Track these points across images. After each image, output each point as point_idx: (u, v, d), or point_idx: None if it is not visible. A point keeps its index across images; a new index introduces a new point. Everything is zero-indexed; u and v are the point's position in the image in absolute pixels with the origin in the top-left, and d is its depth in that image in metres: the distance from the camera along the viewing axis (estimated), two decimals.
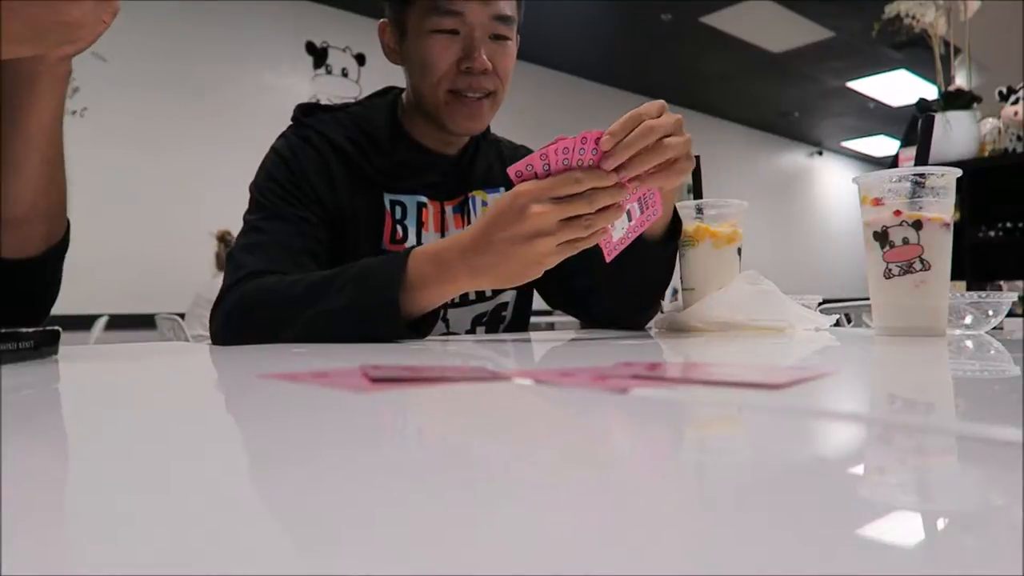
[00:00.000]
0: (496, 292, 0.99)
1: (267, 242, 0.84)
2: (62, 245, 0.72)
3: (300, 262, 0.83)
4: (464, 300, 0.97)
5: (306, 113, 0.96)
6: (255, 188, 0.90)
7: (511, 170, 0.66)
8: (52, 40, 0.53)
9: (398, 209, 0.93)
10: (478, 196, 0.99)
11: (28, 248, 0.68)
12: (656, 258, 0.89)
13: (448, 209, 0.96)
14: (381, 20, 0.96)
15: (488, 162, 1.02)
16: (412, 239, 0.92)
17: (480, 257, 0.67)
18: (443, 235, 0.95)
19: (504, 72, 0.90)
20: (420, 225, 0.93)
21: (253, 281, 0.78)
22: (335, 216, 0.90)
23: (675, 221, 0.88)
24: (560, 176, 0.65)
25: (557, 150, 0.64)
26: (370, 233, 0.91)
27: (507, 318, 1.03)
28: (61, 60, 0.61)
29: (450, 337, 0.93)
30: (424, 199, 0.94)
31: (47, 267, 0.70)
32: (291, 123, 0.96)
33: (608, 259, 0.73)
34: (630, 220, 0.73)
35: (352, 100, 1.05)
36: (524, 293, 1.04)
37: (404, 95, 0.99)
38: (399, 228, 0.92)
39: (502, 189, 1.00)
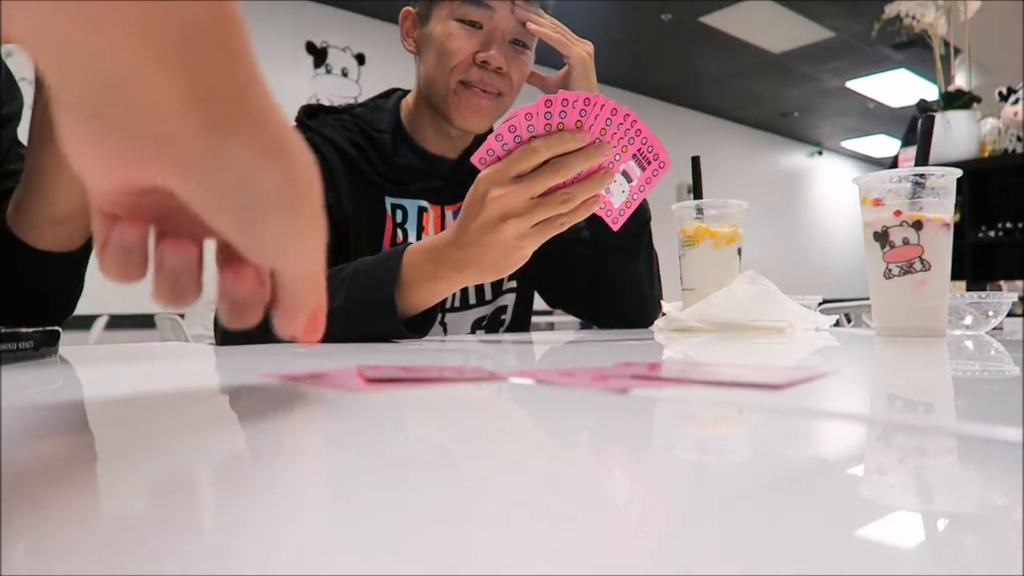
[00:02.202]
0: (496, 295, 1.00)
1: None
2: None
3: None
4: (464, 304, 0.97)
5: (310, 115, 0.96)
6: None
7: (474, 159, 0.63)
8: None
9: (399, 213, 0.93)
10: None
11: (73, 242, 0.70)
12: (621, 239, 0.89)
13: (448, 214, 0.96)
14: (405, 7, 0.95)
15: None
16: (412, 242, 0.92)
17: (461, 251, 0.66)
18: None
19: (517, 79, 0.90)
20: (420, 229, 0.94)
21: None
22: (337, 219, 0.90)
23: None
24: (515, 151, 0.60)
25: (512, 126, 0.60)
26: (371, 236, 0.91)
27: (506, 321, 1.03)
28: None
29: (449, 338, 0.93)
30: (425, 203, 0.94)
31: (84, 260, 0.73)
32: (295, 125, 0.96)
33: (615, 228, 0.70)
34: (630, 181, 0.67)
35: (353, 100, 1.05)
36: (523, 296, 1.04)
37: (409, 96, 0.99)
38: (399, 232, 0.92)
39: None
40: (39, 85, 0.63)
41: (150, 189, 0.24)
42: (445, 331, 0.96)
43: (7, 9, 0.18)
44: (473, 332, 0.99)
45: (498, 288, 0.99)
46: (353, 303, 0.69)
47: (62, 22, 0.18)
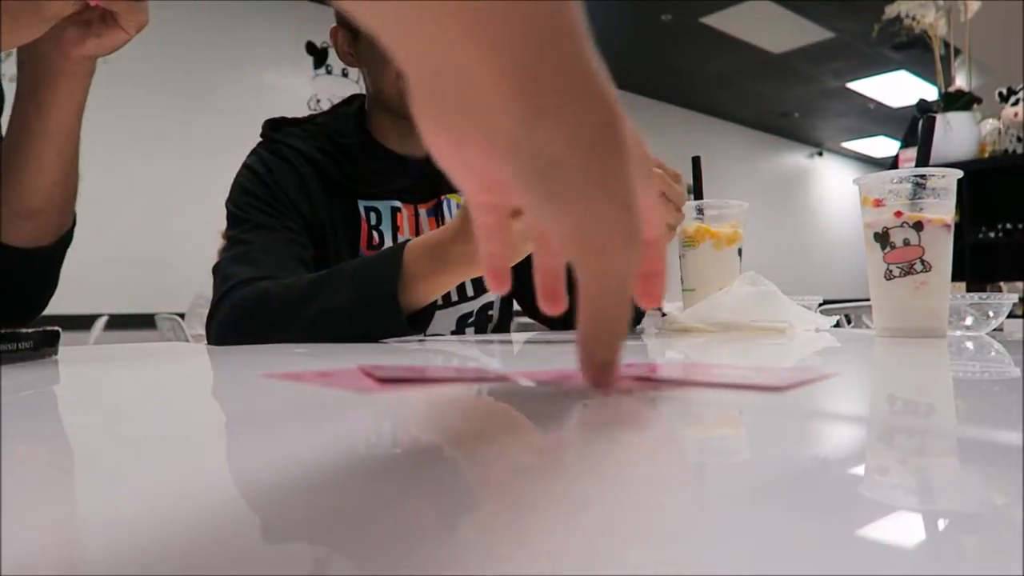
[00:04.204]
0: (478, 292, 1.00)
1: (254, 251, 0.83)
2: (69, 237, 0.74)
3: (290, 267, 0.83)
4: (446, 301, 0.97)
5: (274, 128, 0.96)
6: (232, 205, 0.90)
7: None
8: (26, 19, 0.54)
9: (372, 215, 0.93)
10: (453, 199, 0.99)
11: (43, 238, 0.71)
12: None
13: (422, 212, 0.97)
14: (332, 25, 0.97)
15: None
16: (388, 244, 0.93)
17: (467, 246, 0.67)
18: None
19: None
20: (395, 229, 0.94)
21: (247, 287, 0.78)
22: (313, 226, 0.90)
23: None
24: None
25: None
26: (348, 241, 0.92)
27: (494, 318, 1.03)
28: (84, 59, 0.63)
29: (450, 337, 0.93)
30: (398, 203, 0.95)
31: (55, 257, 0.74)
32: (260, 140, 0.96)
33: None
34: None
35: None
36: (508, 294, 1.04)
37: (367, 101, 1.00)
38: (375, 234, 0.93)
39: None
40: (19, 83, 0.64)
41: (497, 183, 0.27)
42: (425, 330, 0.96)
43: (367, 8, 0.21)
44: (460, 329, 0.99)
45: (480, 285, 1.00)
46: (356, 301, 0.69)
47: (409, 19, 0.22)
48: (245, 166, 0.93)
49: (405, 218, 0.95)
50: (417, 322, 0.72)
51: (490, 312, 1.02)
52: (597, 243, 0.25)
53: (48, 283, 0.76)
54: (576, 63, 0.23)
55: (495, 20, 0.21)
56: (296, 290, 0.73)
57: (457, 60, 0.22)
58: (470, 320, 1.00)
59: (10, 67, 0.68)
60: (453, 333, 0.98)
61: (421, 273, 0.69)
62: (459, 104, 0.23)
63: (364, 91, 1.03)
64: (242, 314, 0.76)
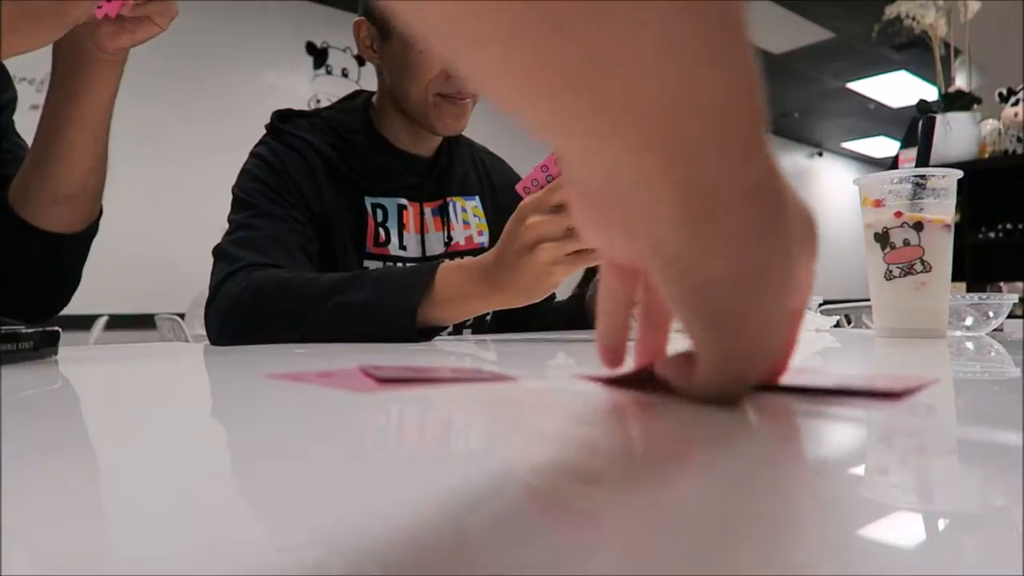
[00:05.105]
0: None
1: (259, 237, 0.83)
2: (95, 226, 0.75)
3: (294, 257, 0.83)
4: None
5: (283, 119, 0.96)
6: (239, 190, 0.89)
7: (519, 187, 0.68)
8: (48, 23, 0.54)
9: (379, 212, 0.93)
10: (458, 202, 1.00)
11: (74, 224, 0.72)
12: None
13: (427, 211, 0.97)
14: (357, 18, 0.96)
15: (464, 168, 1.04)
16: (395, 241, 0.94)
17: (498, 272, 0.68)
18: (423, 236, 0.96)
19: None
20: (401, 227, 0.94)
21: (260, 272, 0.77)
22: (320, 220, 0.90)
23: None
24: (557, 181, 0.64)
25: (556, 158, 0.64)
26: (354, 236, 0.92)
27: (489, 317, 1.04)
28: (119, 50, 0.64)
29: (448, 338, 0.93)
30: (404, 201, 0.95)
31: (83, 245, 0.75)
32: (267, 131, 0.96)
33: None
34: None
35: None
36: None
37: (376, 97, 0.99)
38: (381, 231, 0.93)
39: (478, 197, 1.03)
40: (54, 71, 0.65)
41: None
42: None
43: (539, 110, 0.20)
44: (458, 330, 0.99)
45: None
46: (376, 306, 0.69)
47: (590, 129, 0.20)
48: (255, 154, 0.93)
49: (411, 215, 0.95)
50: (427, 332, 0.72)
51: (486, 316, 1.03)
52: (731, 373, 0.25)
53: (72, 275, 0.76)
54: (755, 187, 0.22)
55: (678, 134, 0.20)
56: (317, 286, 0.73)
57: (631, 167, 0.21)
58: (467, 322, 1.00)
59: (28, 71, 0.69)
60: (450, 333, 0.98)
61: (452, 295, 0.70)
62: (621, 205, 0.23)
63: (366, 89, 1.03)
64: (254, 301, 0.74)
